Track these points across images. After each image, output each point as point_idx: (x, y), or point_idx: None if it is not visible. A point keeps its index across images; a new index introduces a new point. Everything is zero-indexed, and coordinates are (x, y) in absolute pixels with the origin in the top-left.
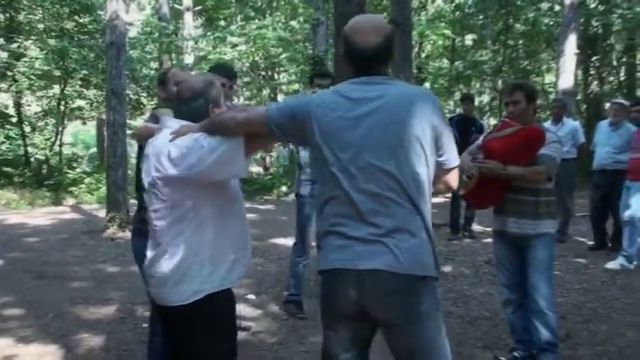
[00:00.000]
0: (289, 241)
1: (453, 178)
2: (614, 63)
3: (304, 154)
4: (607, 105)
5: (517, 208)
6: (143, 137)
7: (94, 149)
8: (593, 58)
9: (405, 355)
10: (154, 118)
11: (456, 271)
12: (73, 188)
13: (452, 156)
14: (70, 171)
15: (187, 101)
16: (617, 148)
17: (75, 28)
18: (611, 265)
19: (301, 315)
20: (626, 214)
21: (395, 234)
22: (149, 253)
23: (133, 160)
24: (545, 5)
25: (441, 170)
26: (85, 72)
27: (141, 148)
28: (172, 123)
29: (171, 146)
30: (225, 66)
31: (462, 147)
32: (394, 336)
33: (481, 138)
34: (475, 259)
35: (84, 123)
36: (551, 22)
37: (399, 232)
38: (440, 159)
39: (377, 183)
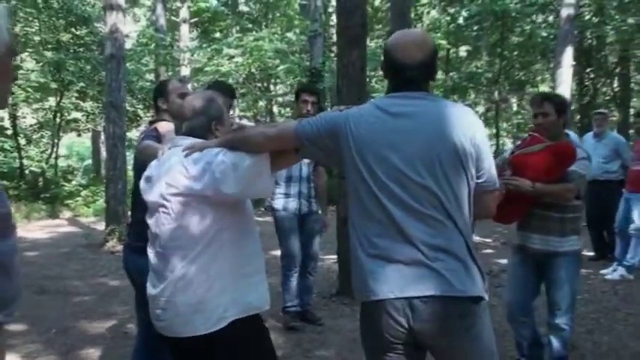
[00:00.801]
0: None
1: (493, 202)
2: (609, 74)
3: None
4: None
5: (543, 225)
6: (149, 156)
7: (88, 161)
8: (588, 70)
9: None
10: (156, 132)
11: None
12: (69, 201)
13: (492, 177)
14: (66, 184)
15: (188, 119)
16: (604, 158)
17: (71, 41)
18: (611, 275)
19: (294, 324)
20: (632, 227)
21: (440, 254)
22: (156, 282)
23: (131, 173)
24: (540, 18)
25: (480, 192)
26: (81, 84)
27: (141, 166)
28: (184, 141)
29: (187, 162)
30: (224, 84)
31: None
32: (448, 358)
33: (508, 152)
34: None
35: (79, 135)
36: (547, 34)
37: (444, 253)
38: (479, 180)
39: (417, 200)
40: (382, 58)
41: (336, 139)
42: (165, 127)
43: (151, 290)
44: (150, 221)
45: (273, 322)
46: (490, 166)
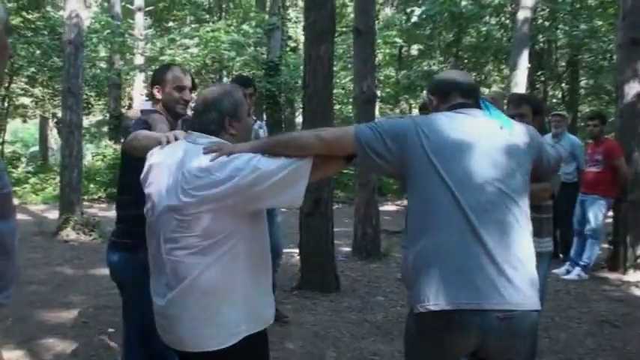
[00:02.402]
0: None
1: (547, 190)
2: (559, 77)
3: None
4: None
5: None
6: (145, 147)
7: (34, 148)
8: (539, 73)
9: None
10: (143, 123)
11: None
12: (16, 188)
13: (550, 168)
14: (13, 170)
15: (199, 113)
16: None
17: (22, 24)
18: (568, 276)
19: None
20: (588, 228)
21: (516, 264)
22: (163, 289)
23: (86, 161)
24: (493, 20)
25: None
26: (32, 69)
27: (131, 161)
28: (202, 139)
29: (213, 167)
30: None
31: None
32: None
33: None
34: None
35: (24, 121)
36: (500, 36)
37: (520, 262)
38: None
39: (497, 207)
40: (433, 89)
41: (401, 143)
42: (156, 117)
43: (157, 300)
44: (151, 219)
45: None
46: (549, 157)
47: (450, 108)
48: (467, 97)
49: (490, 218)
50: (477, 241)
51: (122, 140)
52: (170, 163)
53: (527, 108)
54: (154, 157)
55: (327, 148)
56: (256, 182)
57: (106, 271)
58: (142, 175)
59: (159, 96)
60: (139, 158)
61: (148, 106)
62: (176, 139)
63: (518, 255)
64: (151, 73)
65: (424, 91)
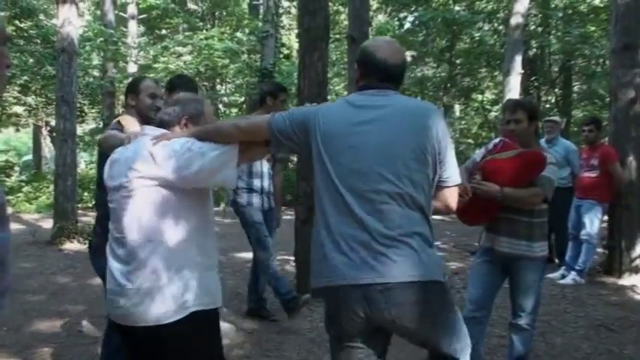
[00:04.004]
0: (243, 254)
1: (453, 198)
2: (552, 83)
3: None
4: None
5: (511, 228)
6: (111, 145)
7: (28, 157)
8: (532, 78)
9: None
10: (119, 125)
11: None
12: (10, 197)
13: (454, 174)
14: (7, 179)
15: (165, 106)
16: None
17: (15, 33)
18: (564, 280)
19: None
20: (583, 233)
21: (394, 242)
22: (116, 267)
23: (79, 169)
24: (486, 26)
25: (440, 188)
26: (25, 78)
27: (103, 157)
28: (153, 131)
29: (154, 149)
30: (186, 77)
31: None
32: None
33: (480, 156)
34: None
35: (17, 130)
36: (494, 42)
37: (397, 241)
38: (440, 176)
39: (375, 190)
40: (359, 57)
41: (306, 133)
42: (129, 120)
43: (109, 277)
44: (112, 205)
45: (234, 321)
46: (451, 162)
47: (361, 88)
48: (385, 78)
49: (370, 202)
50: (355, 223)
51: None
52: (126, 155)
53: (522, 114)
54: (117, 152)
55: (245, 135)
56: (189, 162)
57: (100, 280)
58: (105, 171)
59: (132, 103)
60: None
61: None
62: (136, 137)
63: (396, 235)
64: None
65: (418, 98)
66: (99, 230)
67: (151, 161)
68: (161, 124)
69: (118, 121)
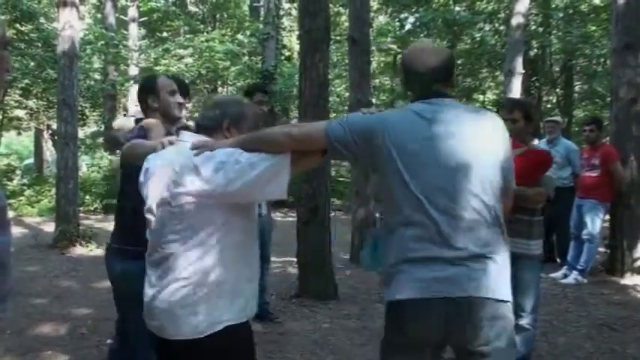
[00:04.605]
0: None
1: (511, 202)
2: (553, 83)
3: None
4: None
5: (511, 227)
6: (139, 155)
7: (29, 160)
8: (533, 78)
9: None
10: (143, 131)
11: None
12: (12, 200)
13: (512, 179)
14: (8, 183)
15: (205, 110)
16: (556, 165)
17: (15, 37)
18: (566, 280)
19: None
20: (585, 232)
21: (480, 257)
22: (154, 280)
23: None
24: (487, 26)
25: (503, 193)
26: (26, 81)
27: (129, 168)
28: (191, 137)
29: (198, 161)
30: (179, 80)
31: None
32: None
33: None
34: None
35: (19, 133)
36: (495, 42)
37: (483, 256)
38: (505, 182)
39: (458, 202)
40: (404, 68)
41: (368, 142)
42: (154, 124)
43: (147, 289)
44: (150, 217)
45: None
46: (513, 167)
47: (421, 98)
48: (440, 83)
49: (453, 215)
50: (441, 239)
51: (107, 149)
52: (164, 163)
53: (519, 113)
54: (150, 160)
55: (298, 144)
56: (239, 175)
57: (103, 283)
58: (139, 179)
59: (155, 105)
60: (139, 165)
61: (140, 114)
62: (171, 144)
63: (481, 250)
64: None
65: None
66: (118, 235)
67: (196, 175)
68: (199, 130)
69: (141, 126)
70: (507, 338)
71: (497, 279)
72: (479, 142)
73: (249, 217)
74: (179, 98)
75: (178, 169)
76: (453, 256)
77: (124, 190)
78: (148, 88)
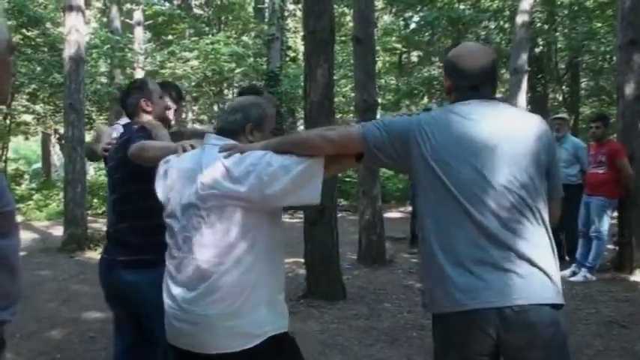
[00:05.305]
0: None
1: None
2: (559, 80)
3: None
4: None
5: None
6: (154, 157)
7: (37, 165)
8: (539, 76)
9: None
10: (143, 131)
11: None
12: (20, 205)
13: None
14: (17, 187)
15: (226, 114)
16: (564, 162)
17: (22, 42)
18: (575, 278)
19: None
20: (593, 229)
21: (527, 261)
22: (178, 290)
23: (89, 176)
24: (492, 24)
25: (550, 199)
26: (33, 86)
27: (139, 169)
28: (219, 140)
29: (228, 163)
30: (171, 84)
31: None
32: None
33: None
34: None
35: (27, 138)
36: (499, 40)
37: (531, 260)
38: (551, 188)
39: (503, 205)
40: (447, 68)
41: (406, 146)
42: (155, 123)
43: (170, 302)
44: (173, 223)
45: None
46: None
47: (457, 99)
48: (478, 84)
49: (499, 217)
50: (487, 243)
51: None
52: (188, 165)
53: None
54: (172, 162)
55: (333, 148)
56: (272, 179)
57: None
58: (156, 181)
59: (149, 108)
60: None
61: (126, 120)
62: (192, 147)
63: (531, 253)
64: None
65: (425, 98)
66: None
67: (228, 177)
68: (223, 133)
69: (141, 127)
70: (560, 345)
71: (545, 283)
72: (522, 146)
73: (277, 224)
74: (168, 102)
75: (206, 172)
76: (500, 257)
77: (135, 190)
78: (139, 92)
